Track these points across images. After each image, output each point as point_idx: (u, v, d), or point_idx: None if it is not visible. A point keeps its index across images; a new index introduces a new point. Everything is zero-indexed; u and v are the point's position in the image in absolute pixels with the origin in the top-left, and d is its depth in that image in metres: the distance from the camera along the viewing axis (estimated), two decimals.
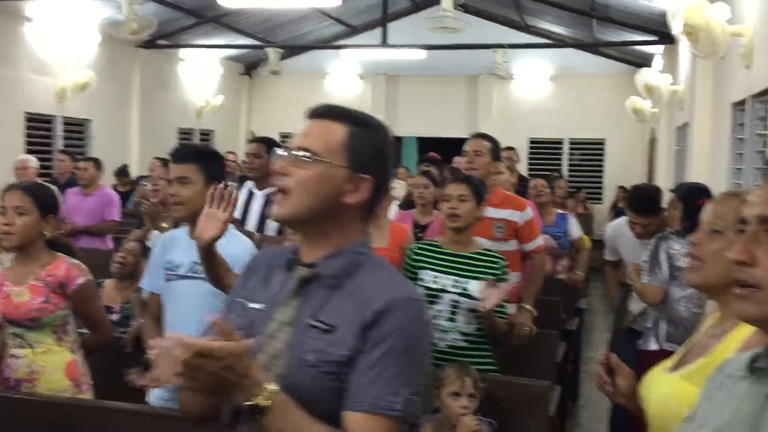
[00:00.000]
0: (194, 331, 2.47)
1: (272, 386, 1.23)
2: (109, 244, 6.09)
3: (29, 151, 8.55)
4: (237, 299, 1.49)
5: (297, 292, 1.40)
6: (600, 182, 13.31)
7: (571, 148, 13.48)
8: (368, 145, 1.42)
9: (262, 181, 4.24)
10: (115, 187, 8.77)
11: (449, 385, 2.72)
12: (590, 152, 13.36)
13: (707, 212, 1.72)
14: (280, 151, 1.42)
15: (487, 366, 3.07)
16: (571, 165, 13.37)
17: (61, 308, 2.57)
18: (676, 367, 1.71)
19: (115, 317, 3.79)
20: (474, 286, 3.01)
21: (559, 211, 5.55)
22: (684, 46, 6.20)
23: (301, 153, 1.38)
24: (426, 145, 15.10)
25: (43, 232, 2.64)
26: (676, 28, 5.04)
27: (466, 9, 8.06)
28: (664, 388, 1.68)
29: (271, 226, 4.09)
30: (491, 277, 3.04)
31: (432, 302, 3.02)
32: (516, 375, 3.14)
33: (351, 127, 1.41)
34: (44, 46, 9.34)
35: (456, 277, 3.04)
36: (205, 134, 13.52)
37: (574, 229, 5.28)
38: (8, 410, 1.77)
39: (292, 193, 1.38)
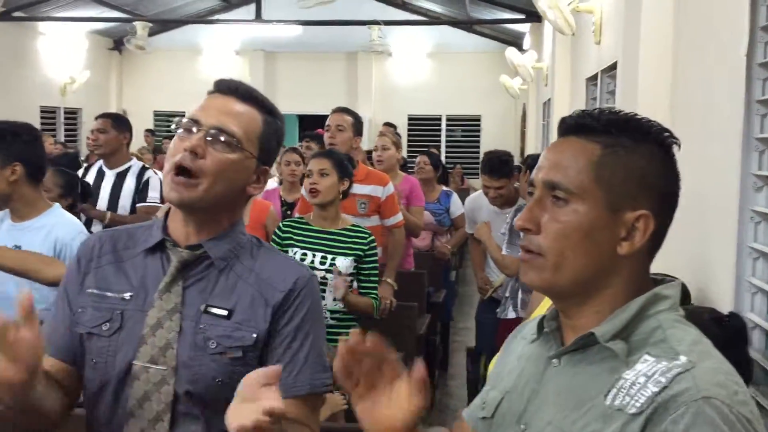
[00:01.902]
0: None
1: None
2: None
3: None
4: (88, 290, 1.35)
5: (178, 277, 1.31)
6: (477, 157, 13.62)
7: (449, 125, 13.74)
8: (275, 137, 1.38)
9: (110, 159, 4.05)
10: None
11: None
12: (467, 128, 13.67)
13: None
14: (187, 126, 1.29)
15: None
16: (448, 141, 13.64)
17: None
18: None
19: None
20: (341, 263, 2.99)
21: (444, 188, 5.63)
22: (548, 25, 6.42)
23: (225, 137, 1.29)
24: (306, 122, 14.99)
25: None
26: (538, 7, 5.20)
27: None
28: None
29: (121, 205, 3.93)
30: (359, 253, 3.03)
31: None
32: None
33: (265, 116, 1.36)
34: None
35: (323, 254, 3.01)
36: (72, 113, 12.81)
37: (456, 206, 5.38)
38: None
39: (206, 177, 1.27)
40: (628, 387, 0.93)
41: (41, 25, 11.55)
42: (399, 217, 3.99)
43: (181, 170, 1.27)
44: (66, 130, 12.62)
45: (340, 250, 3.02)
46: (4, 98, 10.76)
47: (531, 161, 4.04)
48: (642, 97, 3.02)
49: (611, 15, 4.44)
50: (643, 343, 0.97)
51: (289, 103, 14.00)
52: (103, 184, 4.02)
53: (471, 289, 8.14)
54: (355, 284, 3.11)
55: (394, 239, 3.94)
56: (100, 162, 4.15)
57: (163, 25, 12.54)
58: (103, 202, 3.94)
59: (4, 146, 2.36)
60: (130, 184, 4.01)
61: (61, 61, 12.19)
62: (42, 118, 11.84)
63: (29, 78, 11.48)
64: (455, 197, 5.56)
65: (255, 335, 1.28)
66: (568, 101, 6.29)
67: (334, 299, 2.96)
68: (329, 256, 3.00)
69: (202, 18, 12.85)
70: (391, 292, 3.73)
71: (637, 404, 0.91)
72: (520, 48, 10.28)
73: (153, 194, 3.97)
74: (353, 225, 3.17)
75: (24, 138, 2.43)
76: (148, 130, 12.13)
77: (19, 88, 11.12)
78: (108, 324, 1.30)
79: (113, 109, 13.95)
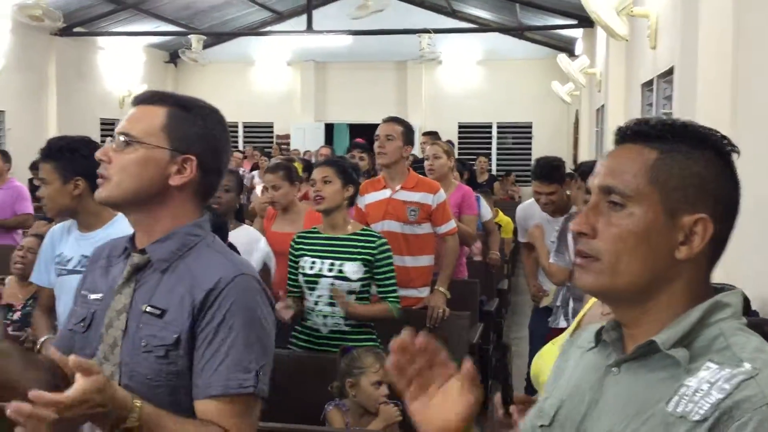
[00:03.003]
0: None
1: (138, 403, 1.20)
2: (19, 239, 5.86)
3: None
4: (81, 291, 1.48)
5: (130, 279, 1.39)
6: (528, 165, 13.51)
7: (499, 132, 13.66)
8: (190, 127, 1.40)
9: None
10: (30, 181, 8.46)
11: (371, 374, 2.70)
12: (518, 135, 13.56)
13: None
14: (107, 140, 1.41)
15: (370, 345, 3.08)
16: (499, 148, 13.55)
17: None
18: None
19: (16, 316, 3.64)
20: (349, 268, 3.01)
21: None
22: (601, 30, 6.33)
23: (121, 138, 1.37)
24: (357, 131, 15.09)
25: None
26: (589, 11, 5.14)
27: None
28: (550, 361, 1.70)
29: None
30: (368, 257, 3.03)
31: (311, 288, 3.02)
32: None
33: (170, 108, 1.41)
34: None
35: (332, 261, 3.03)
36: None
37: (486, 210, 5.34)
38: None
39: (112, 178, 1.37)
40: (691, 394, 0.92)
41: (101, 40, 11.94)
42: (451, 225, 3.97)
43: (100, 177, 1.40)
44: None
45: (347, 256, 3.03)
46: (67, 110, 11.14)
47: (584, 168, 3.98)
48: (701, 102, 2.96)
49: (667, 19, 4.36)
50: (705, 351, 0.96)
51: (340, 113, 14.17)
52: None
53: (523, 299, 8.05)
54: (374, 290, 3.12)
55: (447, 247, 3.92)
56: None
57: (216, 37, 12.82)
58: None
59: (65, 162, 2.44)
60: None
61: (119, 74, 12.57)
62: (102, 129, 12.22)
63: (90, 91, 11.87)
64: (484, 202, 5.53)
65: (176, 335, 1.31)
66: (623, 107, 6.19)
67: (354, 294, 2.99)
68: (337, 262, 3.02)
69: (254, 30, 13.08)
70: (444, 301, 3.72)
71: (701, 411, 0.90)
72: (571, 54, 10.18)
73: None
74: (363, 229, 3.17)
75: (83, 152, 2.51)
76: None
77: (80, 100, 11.50)
78: (82, 323, 1.42)
79: None
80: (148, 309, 1.34)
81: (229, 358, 1.30)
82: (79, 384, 1.11)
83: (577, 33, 10.58)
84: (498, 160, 13.20)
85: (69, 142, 2.52)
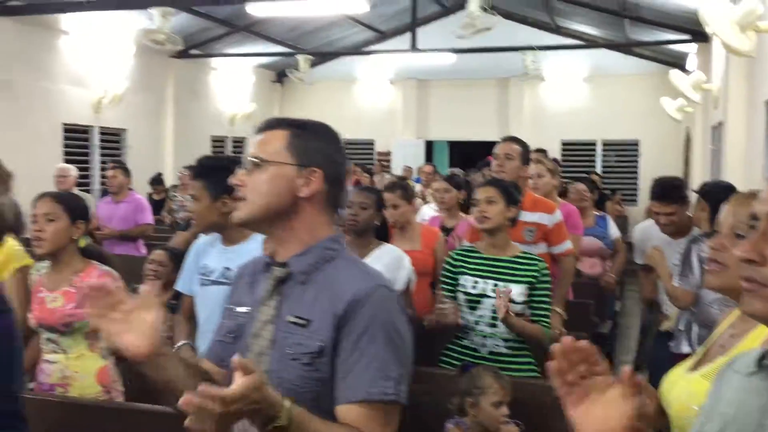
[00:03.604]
0: None
1: (287, 403, 1.26)
2: (142, 249, 6.19)
3: (67, 161, 8.75)
4: (228, 305, 1.58)
5: (274, 291, 1.48)
6: (635, 184, 13.14)
7: (605, 150, 13.33)
8: (309, 143, 1.50)
9: None
10: (150, 196, 8.94)
11: (491, 395, 2.71)
12: (624, 153, 13.19)
13: (726, 215, 1.69)
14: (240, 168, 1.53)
15: (528, 372, 3.05)
16: (605, 167, 13.22)
17: None
18: (696, 367, 1.70)
19: None
20: (514, 290, 2.98)
21: (597, 212, 5.52)
22: (718, 44, 6.11)
23: (251, 161, 1.49)
24: (457, 149, 15.10)
25: (74, 238, 2.70)
26: (708, 27, 4.97)
27: (495, 11, 8.02)
28: (684, 388, 1.67)
29: None
30: (532, 280, 3.02)
31: (473, 308, 3.01)
32: (546, 378, 3.10)
33: (290, 129, 1.51)
34: (81, 59, 9.56)
35: (495, 281, 3.01)
36: (238, 142, 13.68)
37: (614, 229, 5.25)
38: (43, 413, 1.83)
39: (247, 198, 1.47)
40: None
41: (214, 61, 12.50)
42: (567, 245, 3.92)
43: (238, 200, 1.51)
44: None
45: (512, 278, 3.01)
46: (183, 128, 11.72)
47: (709, 189, 3.84)
48: None
49: None
50: None
51: (440, 130, 14.23)
52: None
53: (631, 321, 7.81)
54: (527, 312, 3.09)
55: (563, 267, 3.88)
56: None
57: (321, 57, 13.16)
58: None
59: (215, 181, 2.59)
60: None
61: (230, 93, 13.10)
62: (213, 146, 12.77)
63: (203, 109, 12.43)
64: (611, 221, 5.41)
65: (321, 344, 1.38)
66: (744, 125, 5.93)
67: (496, 318, 2.96)
68: (501, 284, 3.00)
69: (358, 49, 13.34)
70: (561, 322, 3.67)
71: None
72: (682, 69, 9.83)
73: None
74: (524, 252, 3.15)
75: (228, 171, 2.65)
76: None
77: (194, 118, 12.07)
78: (231, 334, 1.52)
79: None
80: (293, 319, 1.43)
81: (371, 366, 1.36)
82: (241, 381, 1.19)
83: (690, 47, 10.23)
84: (602, 178, 12.89)
85: (219, 162, 2.68)
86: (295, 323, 1.41)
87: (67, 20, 9.17)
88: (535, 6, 11.37)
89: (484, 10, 7.65)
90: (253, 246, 2.67)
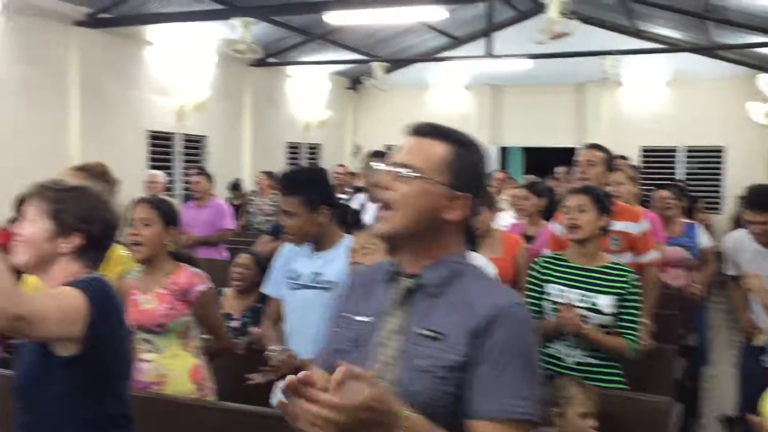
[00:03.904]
0: (314, 340, 2.57)
1: (412, 415, 1.26)
2: (224, 253, 6.34)
3: (152, 167, 9.07)
4: (342, 314, 1.54)
5: (402, 302, 1.45)
6: (718, 192, 12.67)
7: (687, 156, 12.91)
8: (467, 164, 1.46)
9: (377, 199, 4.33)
10: (230, 201, 9.17)
11: (577, 405, 2.66)
12: (708, 160, 12.74)
13: None
14: (381, 166, 1.48)
15: (616, 384, 2.98)
16: (687, 174, 12.79)
17: (184, 314, 2.71)
18: None
19: (234, 324, 3.96)
20: (603, 301, 2.92)
21: (685, 220, 5.31)
22: None
23: (404, 169, 1.42)
24: (531, 155, 14.90)
25: (166, 242, 2.79)
26: None
27: (573, 16, 7.89)
28: None
29: None
30: (621, 292, 2.94)
31: None
32: (634, 390, 3.03)
33: (451, 146, 1.45)
34: (165, 68, 9.90)
35: (583, 292, 2.94)
36: (313, 148, 13.88)
37: (704, 238, 5.04)
38: (139, 410, 1.90)
39: (396, 208, 1.43)
40: None
41: (289, 69, 12.73)
42: (653, 255, 3.82)
43: (383, 205, 1.44)
44: (309, 164, 13.71)
45: (601, 288, 2.94)
46: (260, 134, 11.99)
47: None
48: None
49: None
50: None
51: (515, 136, 14.08)
52: (366, 218, 4.31)
53: (715, 334, 7.52)
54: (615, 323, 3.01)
55: (648, 277, 3.77)
56: (362, 196, 4.45)
57: (395, 64, 13.22)
58: None
59: (310, 194, 2.64)
60: None
61: (305, 101, 13.32)
62: (288, 152, 13.01)
63: (278, 117, 12.68)
64: (701, 229, 5.20)
65: (457, 358, 1.35)
66: None
67: (606, 328, 2.89)
68: (589, 294, 2.93)
69: (432, 56, 13.35)
70: (647, 333, 3.57)
71: None
72: None
73: None
74: (613, 263, 3.07)
75: (322, 182, 2.71)
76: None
77: (270, 125, 12.32)
78: (350, 343, 1.48)
79: (349, 145, 14.93)
80: (425, 332, 1.39)
81: (508, 383, 1.33)
82: (364, 393, 1.17)
83: None
84: (685, 185, 12.46)
85: (309, 175, 2.72)
86: (426, 336, 1.38)
87: (152, 32, 9.52)
88: (614, 9, 11.13)
89: (564, 14, 7.53)
90: (341, 251, 2.71)
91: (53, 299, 1.66)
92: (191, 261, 2.93)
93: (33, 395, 1.73)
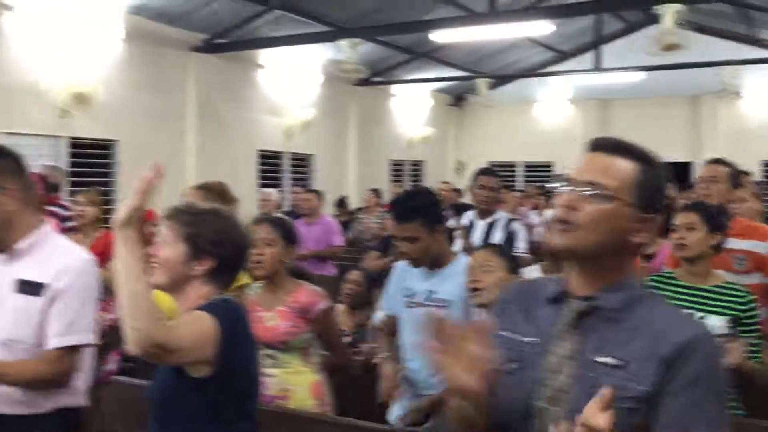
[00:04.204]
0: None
1: None
2: (332, 269, 6.45)
3: (261, 185, 9.38)
4: (502, 333, 1.46)
5: (574, 326, 1.38)
6: None
7: None
8: (654, 183, 1.37)
9: (485, 212, 4.30)
10: (336, 218, 9.34)
11: None
12: None
13: None
14: (562, 185, 1.39)
15: (731, 410, 2.82)
16: None
17: (305, 332, 2.77)
18: None
19: (346, 340, 4.01)
20: (714, 322, 2.78)
21: None
22: None
23: (593, 189, 1.34)
24: None
25: (286, 261, 2.86)
26: None
27: (688, 25, 7.59)
28: None
29: None
30: (736, 314, 2.79)
31: None
32: (763, 418, 2.85)
33: (638, 163, 1.37)
34: (274, 90, 10.25)
35: (693, 312, 2.82)
36: (416, 165, 13.96)
37: None
38: (263, 424, 1.95)
39: (579, 229, 1.34)
40: None
41: (393, 87, 12.88)
42: None
43: (563, 222, 1.35)
44: (412, 180, 13.80)
45: (711, 308, 2.80)
46: (364, 151, 12.18)
47: None
48: None
49: None
50: None
51: None
52: (474, 234, 4.29)
53: None
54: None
55: None
56: (471, 213, 4.43)
57: (499, 79, 13.13)
58: None
59: (429, 217, 2.67)
60: (498, 235, 4.22)
61: (408, 118, 13.43)
62: (392, 170, 13.13)
63: (382, 134, 12.85)
64: None
65: (646, 388, 1.27)
66: None
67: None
68: (699, 314, 2.79)
69: (538, 71, 13.17)
70: None
71: None
72: None
73: (520, 245, 4.13)
74: (728, 282, 2.91)
75: (435, 203, 2.73)
76: None
77: (374, 143, 12.50)
78: (513, 363, 1.40)
79: (451, 162, 14.91)
80: (606, 360, 1.31)
81: (704, 418, 1.26)
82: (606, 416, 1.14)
83: None
84: None
85: (422, 199, 2.74)
86: (606, 364, 1.31)
87: (263, 55, 9.88)
88: (731, 18, 10.63)
89: (678, 25, 7.26)
90: (457, 269, 2.71)
91: (187, 326, 1.70)
92: (308, 278, 2.99)
93: (166, 413, 1.80)
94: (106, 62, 7.88)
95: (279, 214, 6.53)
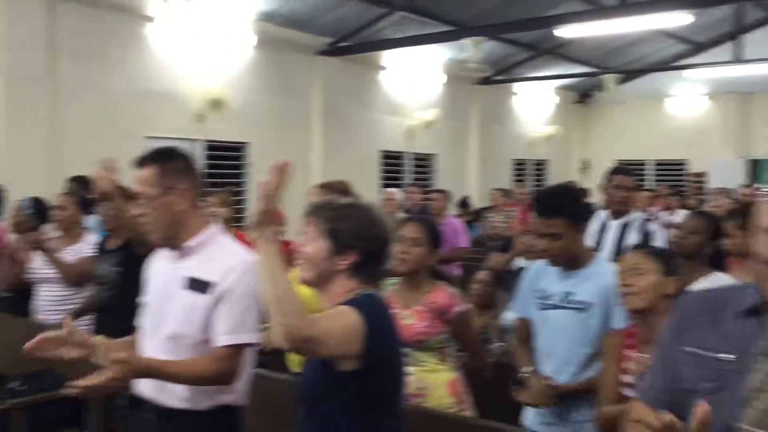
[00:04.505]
0: (565, 360, 2.45)
1: None
2: (456, 270, 6.39)
3: (383, 185, 9.47)
4: (688, 349, 1.36)
5: None
6: None
7: None
8: None
9: (619, 212, 4.12)
10: (458, 218, 9.27)
11: None
12: None
13: None
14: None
15: None
16: None
17: (441, 332, 2.74)
18: None
19: None
20: None
21: None
22: None
23: None
24: None
25: (429, 263, 2.85)
26: None
27: None
28: None
29: None
30: None
31: None
32: None
33: None
34: (396, 90, 10.32)
35: None
36: (539, 164, 13.66)
37: None
38: (406, 421, 1.94)
39: None
40: None
41: (515, 86, 12.66)
42: None
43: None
44: (535, 180, 13.51)
45: None
46: (486, 151, 12.04)
47: None
48: None
49: None
50: None
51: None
52: (607, 235, 4.11)
53: None
54: None
55: None
56: (603, 214, 4.25)
57: (628, 74, 12.61)
58: (607, 252, 4.01)
59: (573, 211, 2.58)
60: (633, 236, 4.02)
61: (530, 116, 13.16)
62: (514, 169, 12.92)
63: (504, 133, 12.65)
64: None
65: None
66: None
67: None
68: None
69: (671, 64, 12.53)
70: None
71: None
72: None
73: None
74: None
75: (581, 198, 2.64)
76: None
77: (496, 143, 12.33)
78: (708, 383, 1.29)
79: (575, 161, 14.48)
80: None
81: None
82: None
83: None
84: None
85: (569, 194, 2.65)
86: None
87: (386, 56, 9.98)
88: None
89: None
90: (596, 270, 2.59)
91: (334, 320, 1.71)
92: (445, 279, 2.96)
93: (315, 406, 1.82)
94: (238, 68, 8.21)
95: (399, 214, 6.57)
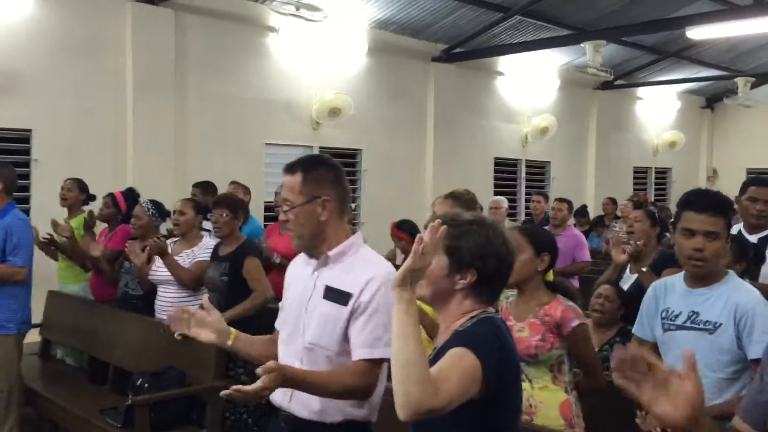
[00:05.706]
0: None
1: None
2: (575, 283, 6.13)
3: (497, 192, 9.31)
4: None
5: None
6: None
7: None
8: None
9: (757, 227, 3.83)
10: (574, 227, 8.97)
11: None
12: None
13: None
14: None
15: None
16: None
17: (556, 348, 2.62)
18: None
19: None
20: None
21: None
22: None
23: None
24: None
25: (538, 270, 2.73)
26: None
27: None
28: None
29: (764, 273, 3.66)
30: None
31: None
32: None
33: None
34: (511, 96, 10.14)
35: None
36: (661, 172, 13.05)
37: None
38: None
39: None
40: None
41: (639, 90, 12.14)
42: None
43: None
44: (656, 189, 12.91)
45: None
46: (604, 158, 11.59)
47: None
48: None
49: None
50: None
51: None
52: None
53: None
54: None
55: None
56: (738, 227, 3.96)
57: (761, 78, 11.82)
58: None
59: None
60: None
61: (654, 122, 12.59)
62: (635, 178, 12.39)
63: (625, 140, 12.16)
64: None
65: None
66: None
67: None
68: None
69: None
70: None
71: None
72: None
73: None
74: None
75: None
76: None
77: (615, 149, 11.87)
78: None
79: (702, 169, 13.72)
80: None
81: None
82: None
83: None
84: None
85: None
86: None
87: (501, 62, 9.83)
88: None
89: None
90: (726, 288, 2.40)
91: (452, 374, 1.60)
92: (567, 292, 2.82)
93: None
94: (353, 76, 8.32)
95: (507, 222, 6.40)
